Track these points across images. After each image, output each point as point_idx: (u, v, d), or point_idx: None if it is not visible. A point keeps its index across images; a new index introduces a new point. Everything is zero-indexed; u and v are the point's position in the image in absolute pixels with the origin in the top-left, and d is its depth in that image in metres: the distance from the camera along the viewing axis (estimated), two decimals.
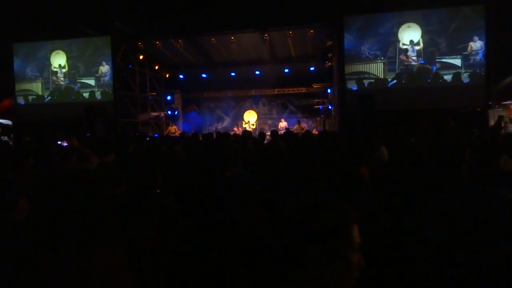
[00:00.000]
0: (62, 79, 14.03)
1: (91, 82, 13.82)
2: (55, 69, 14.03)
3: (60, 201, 1.47)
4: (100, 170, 3.18)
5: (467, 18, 11.04)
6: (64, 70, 14.00)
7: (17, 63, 14.28)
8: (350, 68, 11.69)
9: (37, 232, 1.52)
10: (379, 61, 11.55)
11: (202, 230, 2.19)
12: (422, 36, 11.27)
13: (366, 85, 11.65)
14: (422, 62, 11.31)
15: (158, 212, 2.20)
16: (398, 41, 11.42)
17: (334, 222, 1.12)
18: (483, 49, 10.88)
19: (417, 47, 11.32)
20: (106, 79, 13.63)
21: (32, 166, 3.44)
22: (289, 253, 1.15)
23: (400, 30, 11.42)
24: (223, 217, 2.12)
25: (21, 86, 14.28)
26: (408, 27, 11.38)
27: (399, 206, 1.97)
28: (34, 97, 14.22)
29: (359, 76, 11.67)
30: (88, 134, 10.44)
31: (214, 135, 10.61)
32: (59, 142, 7.34)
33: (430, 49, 11.23)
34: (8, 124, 14.84)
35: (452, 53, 11.12)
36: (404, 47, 11.39)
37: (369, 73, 11.65)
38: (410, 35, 11.35)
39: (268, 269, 1.59)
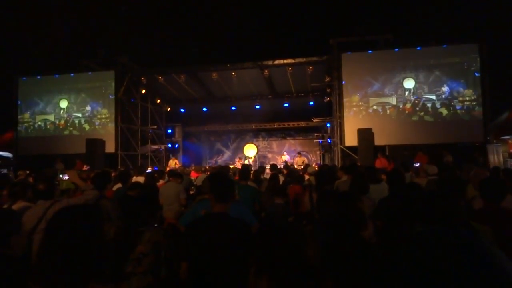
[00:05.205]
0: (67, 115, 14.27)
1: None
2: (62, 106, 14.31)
3: (58, 237, 1.46)
4: (98, 204, 3.18)
5: (464, 56, 11.37)
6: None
7: (22, 97, 14.57)
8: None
9: (33, 268, 1.49)
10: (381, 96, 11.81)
11: (198, 266, 2.15)
12: (420, 73, 11.56)
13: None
14: (418, 98, 11.54)
15: (153, 246, 2.18)
16: (398, 78, 11.72)
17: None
18: (480, 85, 11.11)
19: (414, 84, 11.59)
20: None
21: (30, 199, 3.42)
22: None
23: (398, 67, 11.74)
24: (217, 254, 2.09)
25: (37, 117, 14.54)
26: (406, 64, 11.71)
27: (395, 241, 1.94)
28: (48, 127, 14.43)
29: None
30: (88, 167, 10.43)
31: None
32: (60, 175, 7.34)
33: (427, 86, 11.49)
34: (8, 157, 14.86)
35: (450, 89, 11.36)
36: (404, 83, 11.68)
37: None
38: (408, 73, 11.66)
39: None
